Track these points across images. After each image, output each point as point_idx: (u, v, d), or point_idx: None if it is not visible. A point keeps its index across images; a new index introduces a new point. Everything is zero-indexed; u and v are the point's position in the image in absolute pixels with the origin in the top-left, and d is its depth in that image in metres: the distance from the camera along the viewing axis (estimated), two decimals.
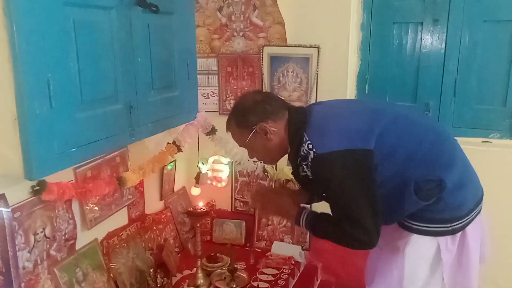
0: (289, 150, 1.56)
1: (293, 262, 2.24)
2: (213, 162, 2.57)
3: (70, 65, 1.31)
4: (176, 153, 2.15)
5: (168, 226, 2.28)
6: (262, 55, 2.36)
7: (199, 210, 2.12)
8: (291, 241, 2.39)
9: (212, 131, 2.32)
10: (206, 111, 2.35)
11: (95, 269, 1.73)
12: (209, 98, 2.54)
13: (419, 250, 1.51)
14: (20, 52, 1.14)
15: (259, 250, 2.39)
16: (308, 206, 1.70)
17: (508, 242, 2.12)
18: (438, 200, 1.45)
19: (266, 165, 2.36)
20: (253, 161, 2.30)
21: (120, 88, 1.54)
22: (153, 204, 2.25)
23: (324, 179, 1.43)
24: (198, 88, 2.16)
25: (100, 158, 1.76)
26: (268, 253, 2.32)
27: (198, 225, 2.10)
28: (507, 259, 2.14)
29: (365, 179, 1.40)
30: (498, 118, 2.18)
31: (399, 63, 2.31)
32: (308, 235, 2.35)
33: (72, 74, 1.32)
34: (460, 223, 1.49)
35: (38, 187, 1.42)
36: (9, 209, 1.35)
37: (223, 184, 2.58)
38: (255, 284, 2.05)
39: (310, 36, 2.27)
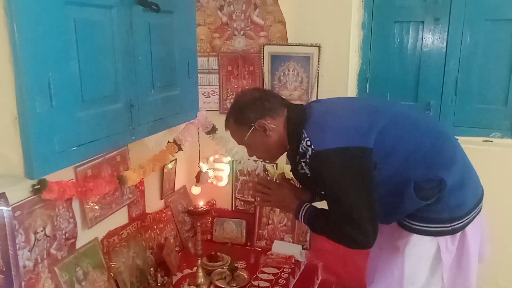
0: (288, 148, 1.55)
1: (293, 261, 2.23)
2: (213, 161, 2.57)
3: (70, 64, 1.31)
4: (176, 152, 2.15)
5: (168, 225, 2.29)
6: (263, 54, 2.36)
7: (200, 209, 2.12)
8: (291, 240, 2.39)
9: (212, 130, 2.31)
10: (206, 110, 2.35)
11: (95, 268, 1.73)
12: (209, 97, 2.54)
13: (419, 250, 1.51)
14: (20, 51, 1.14)
15: (260, 249, 2.39)
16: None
17: (508, 242, 2.12)
18: (438, 200, 1.44)
19: (266, 164, 2.37)
20: (254, 160, 2.30)
21: (121, 87, 1.54)
22: (153, 203, 2.25)
23: (322, 177, 1.42)
24: (199, 87, 2.17)
25: (101, 157, 1.76)
26: (269, 252, 2.31)
27: (198, 224, 2.10)
28: (508, 259, 2.13)
29: (363, 177, 1.39)
30: (499, 117, 2.18)
31: (400, 62, 2.30)
32: (308, 234, 2.35)
33: (73, 73, 1.32)
34: (460, 223, 1.48)
35: (39, 186, 1.42)
36: (10, 208, 1.35)
37: (224, 183, 2.58)
38: (255, 283, 2.04)
39: (311, 35, 2.26)
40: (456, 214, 1.48)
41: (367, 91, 2.35)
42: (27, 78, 1.17)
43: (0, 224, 1.32)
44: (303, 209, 1.55)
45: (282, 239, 2.41)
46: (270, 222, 2.44)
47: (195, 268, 2.06)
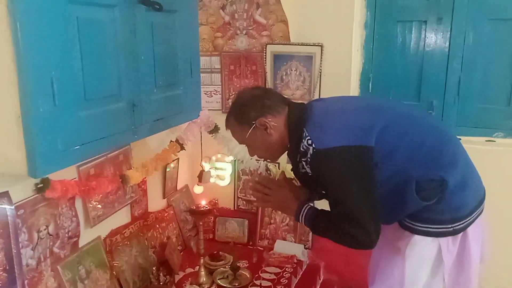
0: (288, 146, 1.54)
1: (295, 260, 2.23)
2: (215, 161, 2.57)
3: (73, 63, 1.31)
4: (179, 151, 2.15)
5: (170, 224, 2.29)
6: (265, 53, 2.36)
7: (202, 208, 2.12)
8: (293, 239, 2.39)
9: (215, 130, 2.32)
10: (209, 110, 2.35)
11: (98, 266, 1.74)
12: (212, 96, 2.54)
13: (420, 251, 1.50)
14: (23, 50, 1.14)
15: (262, 248, 2.39)
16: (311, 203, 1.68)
17: (510, 242, 2.11)
18: (439, 201, 1.43)
19: (268, 164, 2.36)
20: (256, 160, 2.30)
21: (123, 86, 1.54)
22: (156, 202, 2.26)
23: (323, 176, 1.41)
24: (201, 86, 2.16)
25: (103, 156, 1.77)
26: (271, 252, 2.31)
27: (201, 223, 2.10)
28: (510, 259, 2.13)
29: (364, 176, 1.38)
30: (502, 117, 2.17)
31: (402, 62, 2.30)
32: (310, 234, 2.35)
33: (76, 72, 1.33)
34: (462, 223, 1.47)
35: (42, 185, 1.42)
36: (13, 207, 1.35)
37: (226, 182, 2.58)
38: (257, 282, 2.05)
39: (314, 35, 2.26)
40: (458, 215, 1.46)
41: (370, 91, 2.35)
42: (30, 77, 1.17)
43: (3, 222, 1.32)
44: (304, 211, 1.54)
45: (284, 239, 2.41)
46: (272, 221, 2.44)
47: (197, 267, 2.07)
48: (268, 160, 2.33)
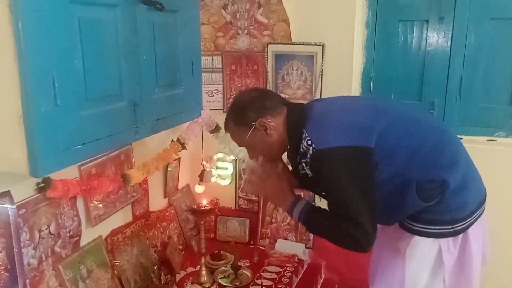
0: (288, 147, 1.53)
1: (296, 260, 2.23)
2: (217, 160, 2.57)
3: (75, 63, 1.31)
4: (180, 151, 2.16)
5: (172, 224, 2.29)
6: (267, 53, 2.36)
7: (203, 208, 2.13)
8: (294, 239, 2.39)
9: (216, 129, 2.32)
10: (210, 109, 2.35)
11: (99, 266, 1.74)
12: (213, 96, 2.54)
13: (421, 252, 1.49)
14: (25, 50, 1.14)
15: (263, 248, 2.39)
16: (307, 197, 1.63)
17: None
18: (440, 201, 1.42)
19: None
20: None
21: (125, 85, 1.54)
22: (157, 201, 2.26)
23: (323, 175, 1.40)
24: (203, 86, 2.16)
25: (105, 156, 1.77)
26: (272, 251, 2.31)
27: (202, 222, 2.11)
28: (511, 259, 2.12)
29: (364, 177, 1.37)
30: (504, 116, 2.17)
31: (404, 61, 2.29)
32: (312, 234, 2.35)
33: (77, 71, 1.33)
34: (462, 224, 1.46)
35: (43, 184, 1.43)
36: (14, 206, 1.36)
37: (227, 182, 2.59)
38: (258, 282, 2.05)
39: (315, 34, 2.26)
40: (458, 216, 1.45)
41: (371, 90, 2.35)
42: (32, 76, 1.17)
43: (5, 222, 1.32)
44: (299, 206, 1.51)
45: (286, 238, 2.41)
46: (273, 221, 2.44)
47: (199, 266, 2.06)
48: None
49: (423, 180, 1.39)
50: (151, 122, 1.71)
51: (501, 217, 2.00)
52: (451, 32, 2.17)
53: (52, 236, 1.55)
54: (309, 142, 1.40)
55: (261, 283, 2.04)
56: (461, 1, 2.12)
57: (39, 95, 1.19)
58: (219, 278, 2.06)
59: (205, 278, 2.02)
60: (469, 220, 1.47)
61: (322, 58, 2.26)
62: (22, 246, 1.40)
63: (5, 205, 1.32)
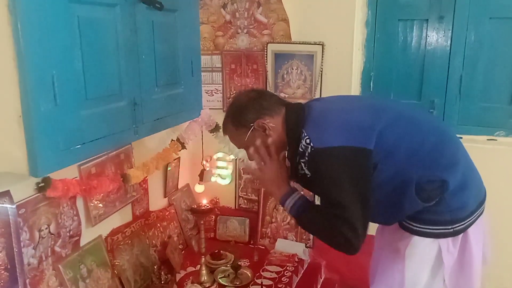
0: (287, 148, 1.52)
1: (296, 259, 2.24)
2: (217, 160, 2.57)
3: (74, 62, 1.31)
4: (180, 150, 2.16)
5: (172, 223, 2.29)
6: (266, 52, 2.36)
7: (203, 207, 2.12)
8: (294, 238, 2.39)
9: (216, 129, 2.31)
10: (210, 109, 2.35)
11: (99, 265, 1.74)
12: (213, 95, 2.54)
13: (420, 252, 1.48)
14: (24, 49, 1.14)
15: (263, 247, 2.39)
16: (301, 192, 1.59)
17: None
18: (439, 202, 1.41)
19: None
20: None
21: (125, 85, 1.54)
22: (157, 201, 2.26)
23: (319, 174, 1.39)
24: (202, 85, 2.16)
25: (105, 155, 1.77)
26: (272, 251, 2.32)
27: (202, 222, 2.10)
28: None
29: (361, 178, 1.36)
30: (504, 116, 2.16)
31: (404, 61, 2.29)
32: None
33: (77, 71, 1.33)
34: (462, 224, 1.45)
35: (43, 184, 1.43)
36: (14, 206, 1.36)
37: (227, 181, 2.58)
38: (258, 281, 2.05)
39: (315, 33, 2.26)
40: (458, 216, 1.44)
41: (371, 90, 2.35)
42: (31, 76, 1.17)
43: (4, 221, 1.32)
44: (293, 197, 1.48)
45: (286, 238, 2.41)
46: (273, 220, 2.44)
47: (199, 266, 2.07)
48: None
49: (423, 181, 1.39)
50: (151, 121, 1.71)
51: (502, 216, 2.00)
52: (451, 31, 2.17)
53: (52, 235, 1.55)
54: (308, 140, 1.39)
55: (261, 282, 2.04)
56: (461, 0, 2.12)
57: (38, 94, 1.19)
58: (219, 278, 2.06)
59: (205, 278, 2.02)
60: (469, 220, 1.46)
61: (322, 57, 2.26)
62: (22, 245, 1.40)
63: (4, 205, 1.32)
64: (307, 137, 1.40)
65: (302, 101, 1.63)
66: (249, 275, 2.08)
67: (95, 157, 1.69)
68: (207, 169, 2.52)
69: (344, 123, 1.41)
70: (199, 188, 2.55)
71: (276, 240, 2.39)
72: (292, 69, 2.35)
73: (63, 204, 1.60)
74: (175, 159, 2.32)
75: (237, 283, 2.03)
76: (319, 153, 1.37)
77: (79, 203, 1.69)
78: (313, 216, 1.45)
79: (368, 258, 1.73)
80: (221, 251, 2.27)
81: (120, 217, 1.95)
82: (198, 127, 2.23)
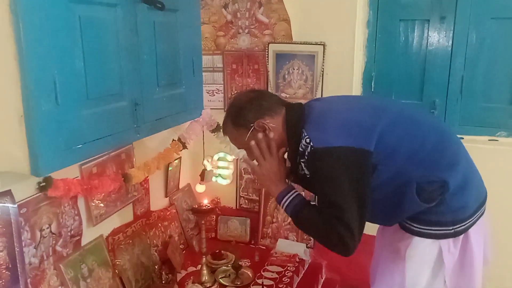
0: (288, 148, 1.52)
1: (297, 259, 2.23)
2: (218, 159, 2.57)
3: (76, 62, 1.32)
4: (181, 150, 2.16)
5: (173, 223, 2.29)
6: (268, 52, 2.36)
7: (204, 207, 2.13)
8: (295, 238, 2.39)
9: (217, 128, 2.32)
10: (211, 108, 2.35)
11: (100, 265, 1.74)
12: (214, 95, 2.54)
13: (421, 253, 1.47)
14: (26, 49, 1.14)
15: (264, 247, 2.39)
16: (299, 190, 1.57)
17: None
18: (440, 203, 1.40)
19: None
20: None
21: (126, 85, 1.54)
22: (158, 201, 2.26)
23: (318, 174, 1.38)
24: (203, 85, 2.16)
25: (106, 155, 1.77)
26: (273, 251, 2.32)
27: (203, 222, 2.11)
28: None
29: (360, 180, 1.35)
30: (505, 116, 2.16)
31: (405, 61, 2.29)
32: None
33: (78, 71, 1.33)
34: (463, 225, 1.45)
35: (44, 184, 1.43)
36: (16, 205, 1.36)
37: (228, 181, 2.59)
38: (259, 281, 2.05)
39: (316, 33, 2.26)
40: (459, 217, 1.44)
41: (372, 90, 2.35)
42: (33, 76, 1.17)
43: (6, 221, 1.33)
44: (290, 195, 1.47)
45: (286, 238, 2.41)
46: (274, 220, 2.44)
47: (200, 266, 2.07)
48: None
49: (423, 181, 1.38)
50: (152, 121, 1.71)
51: (503, 217, 2.00)
52: (452, 32, 2.17)
53: (53, 235, 1.56)
54: (308, 140, 1.39)
55: (262, 282, 2.04)
56: (462, 0, 2.12)
57: (40, 94, 1.19)
58: (220, 278, 2.06)
59: (206, 278, 2.02)
60: (470, 221, 1.46)
61: (323, 57, 2.26)
62: (23, 245, 1.41)
63: (6, 204, 1.33)
64: (307, 136, 1.40)
65: (303, 101, 1.63)
66: (250, 275, 2.08)
67: (96, 156, 1.69)
68: (208, 169, 2.52)
69: (344, 123, 1.41)
70: (200, 188, 2.55)
71: (277, 240, 2.39)
72: (293, 69, 2.35)
73: (64, 204, 1.60)
74: (176, 159, 2.32)
75: (238, 283, 2.03)
76: (319, 153, 1.37)
77: (80, 202, 1.69)
78: (309, 215, 1.44)
79: (369, 258, 1.73)
80: (222, 251, 2.27)
81: (121, 217, 1.95)
82: (199, 127, 2.23)
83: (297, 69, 2.34)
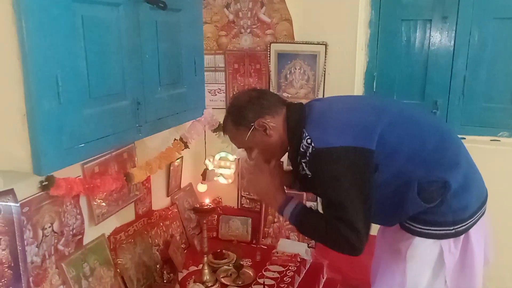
0: (288, 148, 1.52)
1: (299, 259, 2.24)
2: (219, 159, 2.57)
3: (78, 61, 1.32)
4: (183, 150, 2.16)
5: (174, 222, 2.29)
6: (269, 52, 2.36)
7: (206, 207, 2.13)
8: (297, 238, 2.39)
9: (219, 128, 2.32)
10: (213, 108, 2.35)
11: (102, 264, 1.74)
12: (216, 95, 2.55)
13: (422, 253, 1.47)
14: (29, 48, 1.15)
15: (265, 247, 2.39)
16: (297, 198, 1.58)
17: None
18: (441, 203, 1.40)
19: None
20: None
21: (128, 84, 1.54)
22: (159, 200, 2.26)
23: (321, 175, 1.38)
24: (205, 85, 2.16)
25: (108, 154, 1.77)
26: (274, 250, 2.32)
27: (204, 221, 2.11)
28: None
29: (362, 179, 1.35)
30: (507, 116, 2.16)
31: (407, 61, 2.29)
32: None
33: (81, 70, 1.33)
34: (464, 225, 1.44)
35: (47, 183, 1.43)
36: (18, 204, 1.36)
37: (230, 181, 2.59)
38: (261, 281, 2.05)
39: (318, 33, 2.26)
40: (460, 217, 1.44)
41: (374, 90, 2.35)
42: (35, 75, 1.17)
43: (8, 220, 1.33)
44: (291, 205, 1.48)
45: (288, 237, 2.41)
46: (275, 220, 2.44)
47: (201, 265, 2.07)
48: None
49: (424, 181, 1.38)
50: (154, 121, 1.71)
51: (504, 217, 2.00)
52: (454, 32, 2.17)
53: (55, 234, 1.56)
54: (309, 140, 1.39)
55: (264, 282, 2.04)
56: (465, 0, 2.12)
57: (42, 93, 1.20)
58: (222, 277, 2.07)
59: (208, 277, 2.02)
60: (471, 221, 1.46)
61: (325, 57, 2.26)
62: (25, 244, 1.41)
63: (8, 203, 1.33)
64: (308, 137, 1.40)
65: (305, 101, 1.63)
66: (251, 274, 2.09)
67: (98, 156, 1.70)
68: (210, 168, 2.52)
69: (345, 123, 1.41)
70: (201, 188, 2.55)
71: (278, 240, 2.39)
72: (295, 69, 2.35)
73: (66, 203, 1.60)
74: (178, 159, 2.32)
75: (239, 282, 2.03)
76: (320, 153, 1.37)
77: (82, 201, 1.70)
78: (314, 221, 1.45)
79: (370, 258, 1.73)
80: (224, 251, 2.27)
81: (123, 216, 1.95)
82: (201, 126, 2.23)
83: (299, 69, 2.34)
